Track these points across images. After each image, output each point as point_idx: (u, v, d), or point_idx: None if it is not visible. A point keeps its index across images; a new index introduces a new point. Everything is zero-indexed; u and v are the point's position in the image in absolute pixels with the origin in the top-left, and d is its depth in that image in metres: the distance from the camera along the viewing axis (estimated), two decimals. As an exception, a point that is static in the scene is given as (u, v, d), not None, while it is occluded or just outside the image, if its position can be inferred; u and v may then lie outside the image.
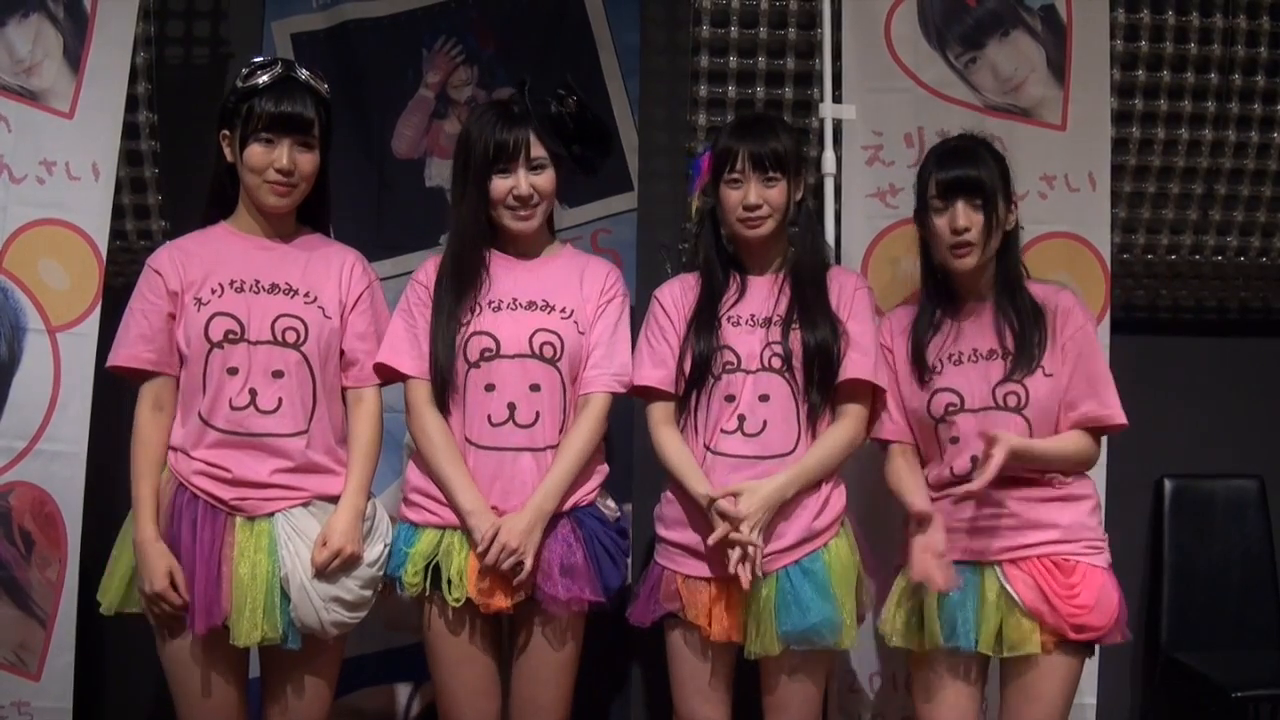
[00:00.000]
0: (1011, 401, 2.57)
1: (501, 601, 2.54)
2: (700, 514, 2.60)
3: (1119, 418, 2.59)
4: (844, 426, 2.66)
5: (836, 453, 2.64)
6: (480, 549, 2.52)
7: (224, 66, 3.50)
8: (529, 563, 2.52)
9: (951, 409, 2.61)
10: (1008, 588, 2.53)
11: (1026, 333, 2.59)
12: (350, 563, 2.49)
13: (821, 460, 2.61)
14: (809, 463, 2.60)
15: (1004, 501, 2.56)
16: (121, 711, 3.52)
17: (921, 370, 2.66)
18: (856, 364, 2.65)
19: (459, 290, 2.64)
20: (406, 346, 2.65)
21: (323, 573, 2.46)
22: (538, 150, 2.62)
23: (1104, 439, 2.66)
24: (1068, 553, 2.54)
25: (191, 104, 3.36)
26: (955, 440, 2.61)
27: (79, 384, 3.01)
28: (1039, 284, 2.69)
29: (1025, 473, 2.56)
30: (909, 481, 2.65)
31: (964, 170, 2.60)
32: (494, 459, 2.59)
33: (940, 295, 2.71)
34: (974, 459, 2.55)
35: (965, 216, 2.58)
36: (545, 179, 2.64)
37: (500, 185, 2.62)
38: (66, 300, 3.03)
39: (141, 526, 2.47)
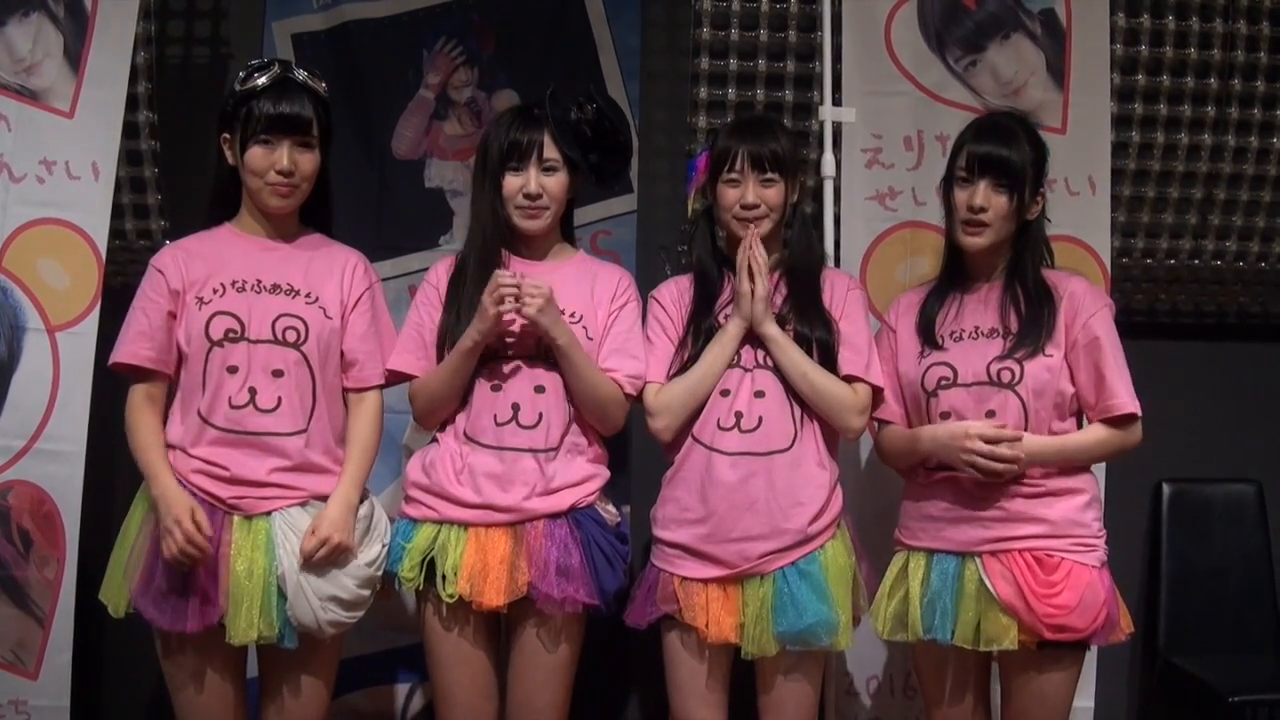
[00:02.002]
0: (1005, 378, 2.56)
1: (493, 599, 2.54)
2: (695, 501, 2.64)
3: (1125, 407, 2.55)
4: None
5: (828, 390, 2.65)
6: None
7: (224, 66, 3.50)
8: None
9: (944, 382, 2.61)
10: (986, 581, 2.52)
11: (1032, 314, 2.59)
12: (339, 553, 2.48)
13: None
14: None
15: (990, 493, 2.55)
16: (119, 710, 3.52)
17: (923, 343, 2.66)
18: (850, 362, 2.67)
19: (472, 293, 2.65)
20: (413, 348, 2.68)
21: (310, 560, 2.45)
22: (551, 152, 2.65)
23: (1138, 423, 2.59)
24: (1052, 548, 2.52)
25: (192, 104, 3.37)
26: (946, 416, 2.61)
27: (78, 383, 3.01)
28: (1049, 270, 2.68)
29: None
30: (907, 431, 2.68)
31: (996, 149, 2.58)
32: (496, 457, 2.61)
33: (954, 273, 2.72)
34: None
35: (985, 196, 2.58)
36: (556, 181, 2.66)
37: (512, 183, 2.65)
38: (66, 300, 3.03)
39: (160, 477, 2.45)
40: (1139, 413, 2.57)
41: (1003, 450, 2.50)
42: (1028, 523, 2.54)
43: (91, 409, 3.01)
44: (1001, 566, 2.52)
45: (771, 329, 2.63)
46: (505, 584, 2.55)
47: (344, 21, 3.29)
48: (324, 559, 2.47)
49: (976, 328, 2.63)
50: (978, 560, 2.54)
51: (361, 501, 2.60)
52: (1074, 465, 2.58)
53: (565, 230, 2.82)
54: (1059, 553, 2.52)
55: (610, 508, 2.72)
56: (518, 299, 2.53)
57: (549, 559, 2.57)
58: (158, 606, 2.43)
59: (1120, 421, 2.57)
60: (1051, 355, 2.57)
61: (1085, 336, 2.58)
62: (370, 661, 3.20)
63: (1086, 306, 2.60)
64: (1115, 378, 2.56)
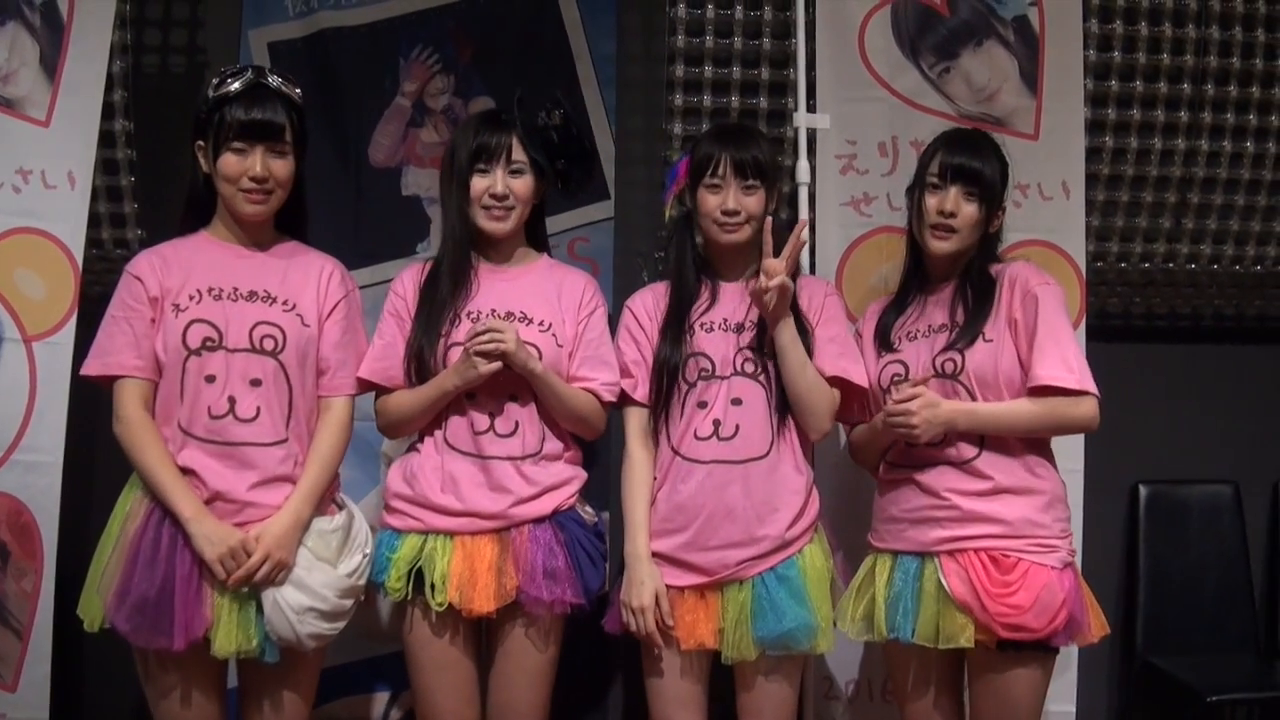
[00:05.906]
0: (949, 368, 2.59)
1: (483, 605, 2.55)
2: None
3: (1047, 378, 2.51)
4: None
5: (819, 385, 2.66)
6: None
7: (201, 75, 3.49)
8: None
9: (897, 378, 2.64)
10: (942, 579, 2.53)
11: (977, 305, 2.61)
12: (278, 570, 2.44)
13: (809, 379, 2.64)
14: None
15: (949, 493, 2.56)
16: (99, 722, 3.51)
17: (879, 346, 2.70)
18: (831, 361, 2.67)
19: (446, 295, 2.66)
20: (382, 358, 2.68)
21: (249, 578, 2.41)
22: (518, 154, 2.66)
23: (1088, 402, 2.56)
24: (1008, 549, 2.52)
25: (168, 112, 3.35)
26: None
27: (55, 394, 3.00)
28: (995, 264, 2.70)
29: (962, 459, 2.57)
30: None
31: (969, 159, 2.62)
32: (476, 465, 2.61)
33: (914, 280, 2.75)
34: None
35: (955, 202, 2.61)
36: (522, 184, 2.67)
37: (479, 184, 2.66)
38: (42, 309, 3.02)
39: (187, 504, 2.42)
40: (1074, 386, 2.52)
41: (897, 397, 2.53)
42: (984, 522, 2.54)
43: (69, 419, 3.00)
44: (957, 566, 2.53)
45: (788, 333, 2.62)
46: (494, 590, 2.56)
47: (320, 29, 3.29)
48: (264, 577, 2.43)
49: (929, 326, 2.67)
50: (936, 560, 2.56)
51: (340, 510, 2.60)
52: (999, 434, 2.55)
53: (535, 238, 2.83)
54: (1015, 553, 2.52)
55: (588, 508, 2.74)
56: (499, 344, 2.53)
57: (535, 563, 2.58)
58: (133, 623, 2.40)
59: (1052, 394, 2.54)
60: (991, 340, 2.58)
61: (1023, 311, 2.58)
62: (348, 671, 3.19)
63: (1025, 282, 2.60)
64: (1047, 346, 2.53)
